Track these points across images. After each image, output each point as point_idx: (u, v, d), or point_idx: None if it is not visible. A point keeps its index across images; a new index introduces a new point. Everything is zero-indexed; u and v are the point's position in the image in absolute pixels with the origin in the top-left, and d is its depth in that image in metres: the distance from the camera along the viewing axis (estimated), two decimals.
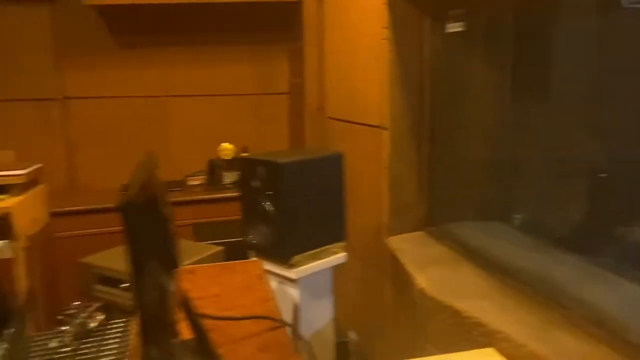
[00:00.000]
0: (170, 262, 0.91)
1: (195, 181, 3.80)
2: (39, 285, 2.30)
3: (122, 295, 2.28)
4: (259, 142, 3.85)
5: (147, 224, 0.83)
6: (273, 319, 1.29)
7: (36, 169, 2.41)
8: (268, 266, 1.77)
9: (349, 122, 2.56)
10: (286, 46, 3.94)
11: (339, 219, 1.86)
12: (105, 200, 3.47)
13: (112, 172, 3.78)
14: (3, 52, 3.52)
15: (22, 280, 2.21)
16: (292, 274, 1.75)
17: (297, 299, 1.78)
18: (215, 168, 3.80)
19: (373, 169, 2.34)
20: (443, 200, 2.30)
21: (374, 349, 2.47)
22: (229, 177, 3.80)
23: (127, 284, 2.27)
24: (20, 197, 2.23)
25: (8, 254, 2.16)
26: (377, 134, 2.30)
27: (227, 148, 3.79)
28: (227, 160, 3.82)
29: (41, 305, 2.32)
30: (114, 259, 2.37)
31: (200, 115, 3.89)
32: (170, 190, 3.66)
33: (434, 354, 1.70)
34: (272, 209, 1.70)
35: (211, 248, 2.42)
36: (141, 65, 3.77)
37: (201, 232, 3.01)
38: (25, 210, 2.24)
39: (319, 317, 1.85)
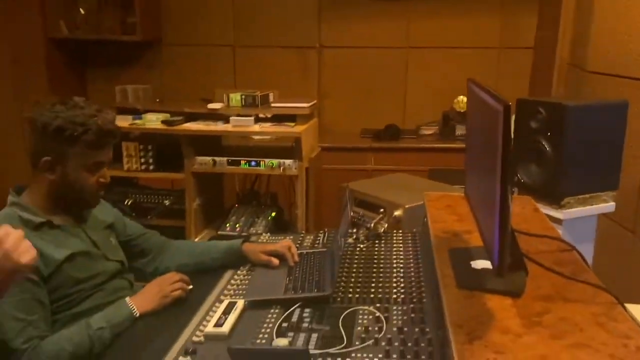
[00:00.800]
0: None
1: (428, 130, 3.99)
2: (311, 202, 2.74)
3: (374, 218, 2.57)
4: None
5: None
6: (564, 242, 1.41)
7: (313, 104, 2.82)
8: None
9: (617, 76, 2.46)
10: None
11: (614, 168, 1.86)
12: (353, 141, 3.88)
13: (351, 116, 4.16)
14: (273, 5, 4.06)
15: (301, 195, 2.66)
16: (560, 214, 1.83)
17: None
18: (448, 119, 3.93)
19: None
20: None
21: None
22: (461, 129, 3.90)
23: (383, 209, 2.58)
24: (305, 126, 2.66)
25: (294, 172, 2.61)
26: None
27: (463, 101, 3.88)
28: (461, 113, 3.92)
29: (311, 218, 2.77)
30: (371, 187, 2.69)
31: (439, 67, 4.01)
32: (404, 137, 3.92)
33: None
34: (549, 150, 1.78)
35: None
36: (388, 17, 4.01)
37: (437, 178, 3.20)
38: (307, 137, 2.67)
39: None
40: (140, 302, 1.47)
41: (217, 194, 3.04)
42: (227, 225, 2.69)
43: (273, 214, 2.77)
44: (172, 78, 4.18)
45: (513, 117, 1.99)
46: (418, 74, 4.08)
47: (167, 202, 2.73)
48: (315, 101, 2.88)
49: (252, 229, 2.65)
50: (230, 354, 1.14)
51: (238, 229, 2.66)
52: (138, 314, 1.45)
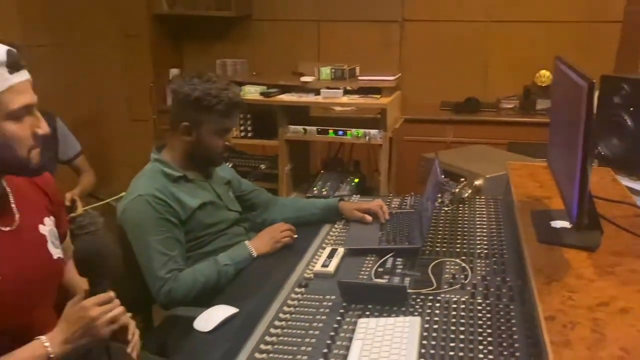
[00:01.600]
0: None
1: (508, 104, 4.04)
2: (393, 170, 2.94)
3: (455, 186, 2.73)
4: None
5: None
6: (638, 207, 1.53)
7: (398, 77, 2.98)
8: None
9: None
10: None
11: None
12: (433, 113, 4.00)
13: (431, 89, 4.26)
14: None
15: (383, 163, 2.86)
16: (638, 185, 1.92)
17: None
18: (529, 93, 3.96)
19: None
20: None
21: None
22: (542, 104, 3.92)
23: (464, 179, 2.73)
24: (390, 98, 2.84)
25: (379, 141, 2.81)
26: None
27: (545, 75, 3.90)
28: (543, 87, 3.94)
29: (392, 185, 2.97)
30: (452, 157, 2.85)
31: (521, 41, 4.02)
32: (484, 110, 3.99)
33: None
34: (630, 124, 1.88)
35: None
36: None
37: (517, 151, 3.29)
38: (392, 108, 2.85)
39: None
40: (257, 245, 1.75)
41: (305, 160, 3.30)
42: (315, 189, 2.94)
43: (356, 180, 2.99)
44: (261, 51, 4.44)
45: (597, 93, 2.09)
46: (500, 48, 4.09)
47: (262, 167, 3.02)
48: (399, 74, 3.04)
49: (336, 193, 2.89)
50: (339, 286, 1.38)
51: (324, 193, 2.90)
52: (256, 255, 1.73)
